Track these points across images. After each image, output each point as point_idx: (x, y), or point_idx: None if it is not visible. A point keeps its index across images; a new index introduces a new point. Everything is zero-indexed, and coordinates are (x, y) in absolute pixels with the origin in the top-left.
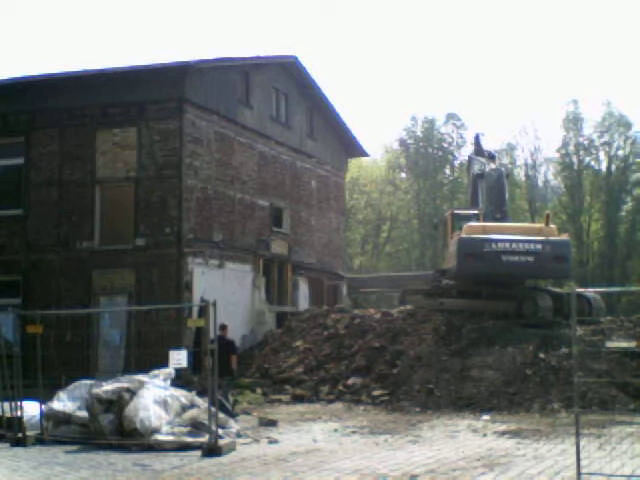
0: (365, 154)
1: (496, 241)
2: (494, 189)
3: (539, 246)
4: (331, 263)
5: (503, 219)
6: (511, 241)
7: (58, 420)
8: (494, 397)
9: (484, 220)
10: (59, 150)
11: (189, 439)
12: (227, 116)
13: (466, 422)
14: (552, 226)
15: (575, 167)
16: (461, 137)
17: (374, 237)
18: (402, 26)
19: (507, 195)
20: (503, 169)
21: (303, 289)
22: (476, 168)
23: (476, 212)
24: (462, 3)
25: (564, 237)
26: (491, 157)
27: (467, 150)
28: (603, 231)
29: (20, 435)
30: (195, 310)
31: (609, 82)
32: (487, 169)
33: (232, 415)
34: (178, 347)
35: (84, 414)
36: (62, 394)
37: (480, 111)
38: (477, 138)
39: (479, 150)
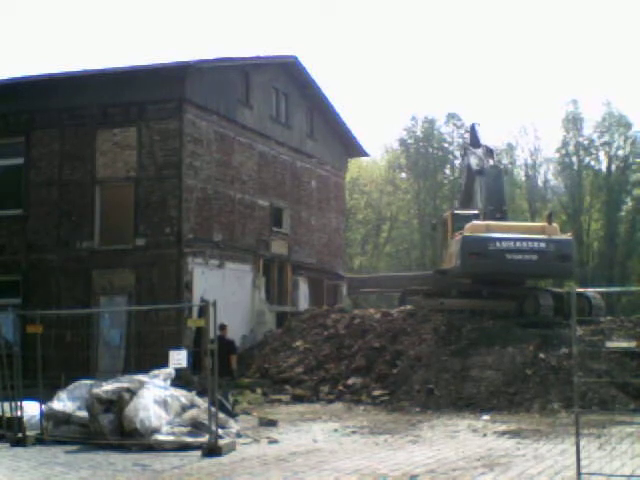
0: (365, 154)
1: (500, 239)
2: (493, 188)
3: (543, 245)
4: (331, 263)
5: (503, 219)
6: (515, 239)
7: (58, 420)
8: (494, 397)
9: (484, 220)
10: (59, 150)
11: (189, 439)
12: (227, 116)
13: (466, 422)
14: (554, 225)
15: (575, 167)
16: (461, 137)
17: (374, 237)
18: (402, 26)
19: (506, 194)
20: (502, 167)
21: (303, 289)
22: (474, 163)
23: (476, 212)
24: (462, 3)
25: (567, 236)
26: (489, 152)
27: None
28: (603, 231)
29: (20, 435)
30: (195, 310)
31: (609, 82)
32: (486, 165)
33: (232, 415)
34: (178, 347)
35: (84, 414)
36: (62, 394)
37: (480, 111)
38: (473, 128)
39: (475, 141)
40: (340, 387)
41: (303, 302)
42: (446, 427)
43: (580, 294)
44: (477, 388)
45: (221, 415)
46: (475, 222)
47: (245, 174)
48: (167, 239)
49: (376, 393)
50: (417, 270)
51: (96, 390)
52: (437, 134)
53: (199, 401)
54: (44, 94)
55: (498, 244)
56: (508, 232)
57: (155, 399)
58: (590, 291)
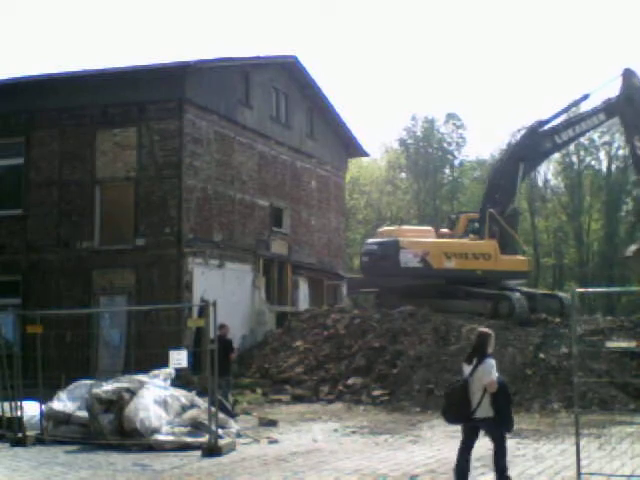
0: (365, 154)
1: (365, 244)
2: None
3: (374, 247)
4: (331, 263)
5: (508, 220)
6: (365, 243)
7: (58, 420)
8: None
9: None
10: (59, 150)
11: (189, 439)
12: (227, 116)
13: None
14: (403, 227)
15: (575, 167)
16: (461, 137)
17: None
18: (402, 26)
19: (516, 191)
20: (547, 146)
21: (303, 289)
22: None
23: (475, 215)
24: (462, 3)
25: (391, 239)
26: (555, 130)
27: (467, 150)
28: (603, 231)
29: (20, 435)
30: (195, 310)
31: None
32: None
33: (232, 415)
34: (178, 347)
35: (84, 414)
36: (62, 394)
37: (480, 111)
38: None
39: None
40: (340, 387)
41: (303, 302)
42: (446, 427)
43: (552, 294)
44: None
45: (221, 415)
46: (386, 227)
47: (245, 174)
48: (167, 239)
49: (376, 393)
50: None
51: (96, 390)
52: (437, 134)
53: (199, 401)
54: (44, 94)
55: (365, 248)
56: (390, 236)
57: (155, 399)
58: (591, 291)
